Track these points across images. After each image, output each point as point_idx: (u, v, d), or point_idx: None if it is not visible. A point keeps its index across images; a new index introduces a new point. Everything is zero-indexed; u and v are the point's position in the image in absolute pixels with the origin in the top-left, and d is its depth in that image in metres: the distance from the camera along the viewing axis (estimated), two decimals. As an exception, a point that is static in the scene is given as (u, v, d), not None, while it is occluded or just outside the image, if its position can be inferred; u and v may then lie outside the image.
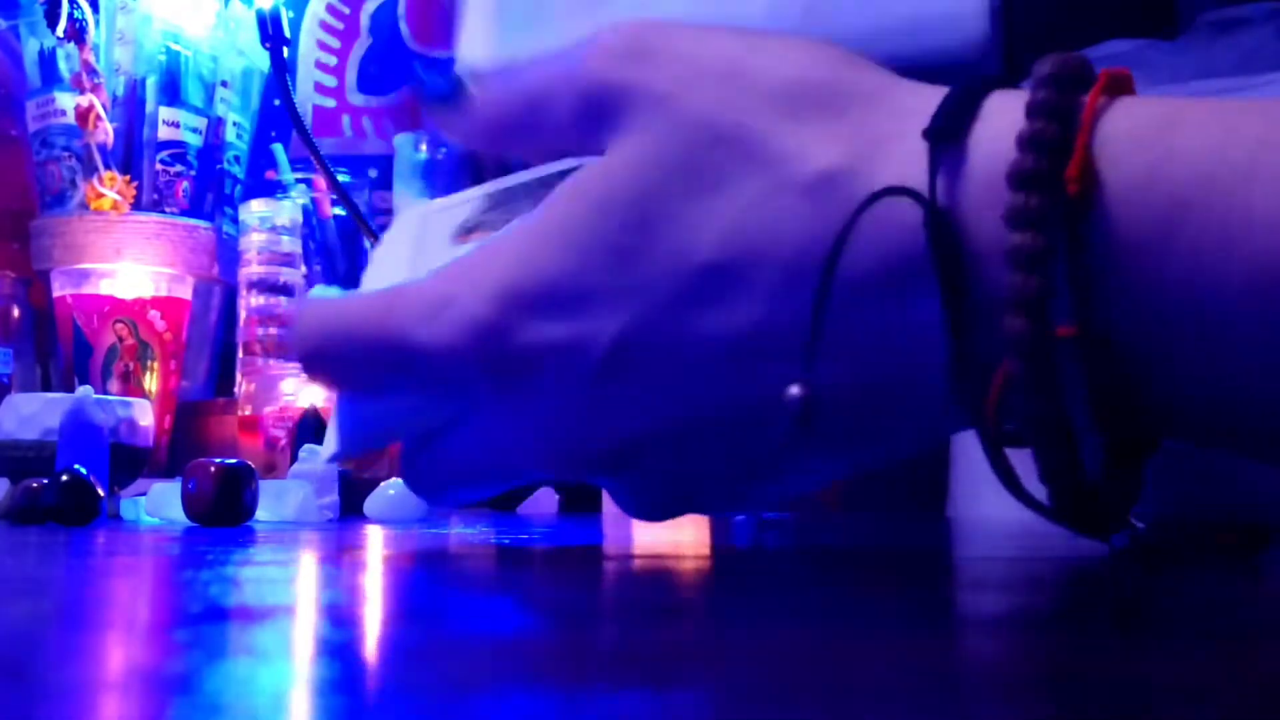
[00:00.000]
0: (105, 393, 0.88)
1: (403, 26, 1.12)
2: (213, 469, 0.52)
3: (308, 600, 0.24)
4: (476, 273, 0.32)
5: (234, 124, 1.04)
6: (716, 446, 0.32)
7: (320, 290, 0.36)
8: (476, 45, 0.37)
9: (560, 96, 0.33)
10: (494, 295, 0.31)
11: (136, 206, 0.97)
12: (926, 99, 0.29)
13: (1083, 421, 0.28)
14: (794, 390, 0.28)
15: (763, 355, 0.30)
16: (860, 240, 0.28)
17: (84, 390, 0.70)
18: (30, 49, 1.00)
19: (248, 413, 0.85)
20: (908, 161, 0.28)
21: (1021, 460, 0.29)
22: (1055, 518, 0.29)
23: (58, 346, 0.97)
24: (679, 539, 0.47)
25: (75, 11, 0.96)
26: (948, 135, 0.28)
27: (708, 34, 0.32)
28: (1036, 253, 0.26)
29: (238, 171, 1.05)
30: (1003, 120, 0.28)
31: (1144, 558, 0.30)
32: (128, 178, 0.97)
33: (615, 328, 0.30)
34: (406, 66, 1.12)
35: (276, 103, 1.06)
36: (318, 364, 0.35)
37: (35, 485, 0.55)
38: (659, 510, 0.34)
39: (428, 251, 0.36)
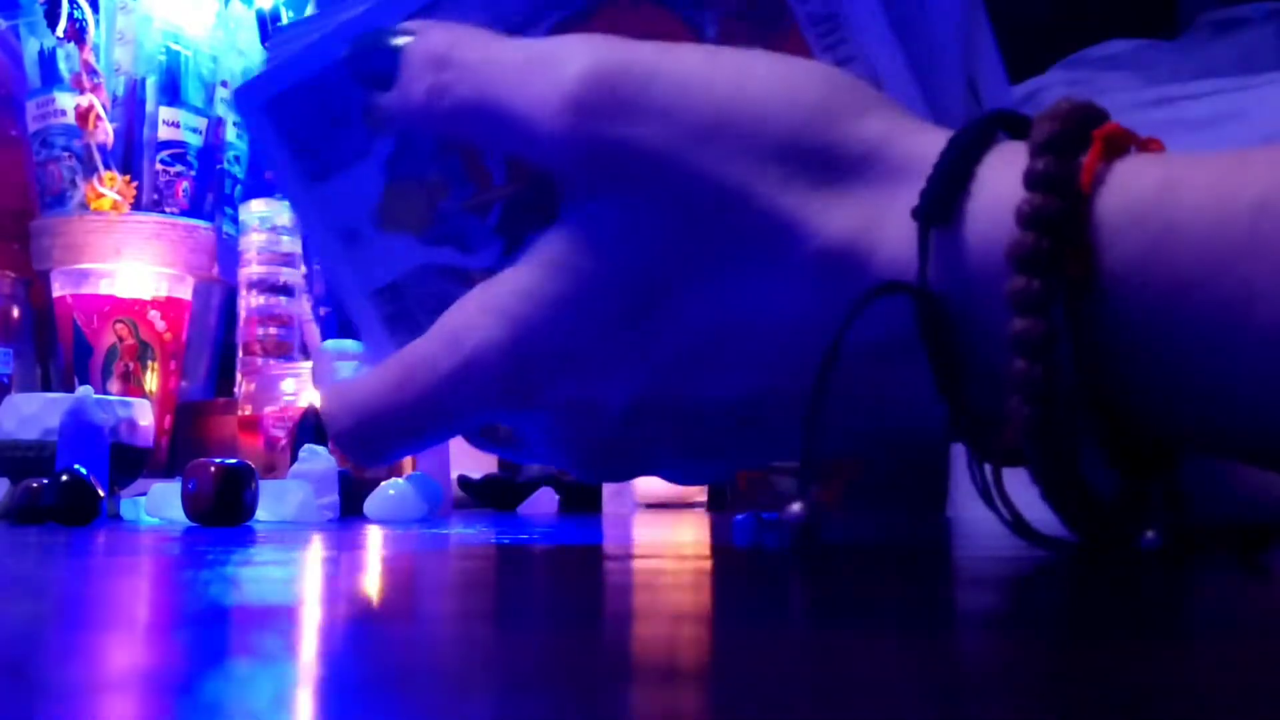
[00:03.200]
0: (105, 393, 0.88)
1: (403, 26, 1.12)
2: (213, 469, 0.52)
3: (308, 600, 0.24)
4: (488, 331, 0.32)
5: (234, 124, 1.04)
6: (729, 466, 0.35)
7: (346, 372, 0.38)
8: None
9: (535, 145, 0.31)
10: (511, 355, 0.32)
11: (136, 206, 0.97)
12: (923, 156, 0.28)
13: (1094, 464, 0.28)
14: (795, 508, 0.29)
15: (766, 409, 0.31)
16: (860, 318, 0.28)
17: (84, 390, 0.70)
18: (30, 49, 1.00)
19: (248, 413, 0.85)
20: (903, 239, 0.28)
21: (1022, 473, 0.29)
22: (1064, 545, 0.29)
23: (58, 346, 0.97)
24: (679, 539, 0.47)
25: (75, 11, 0.95)
26: (938, 215, 0.27)
27: (682, 71, 0.30)
28: (1041, 337, 0.26)
29: (238, 171, 1.05)
30: (999, 189, 0.27)
31: (1178, 556, 0.31)
32: (128, 178, 0.97)
33: (626, 391, 0.32)
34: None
35: (276, 103, 1.06)
36: (359, 447, 0.35)
37: (35, 485, 0.55)
38: (690, 481, 0.39)
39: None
